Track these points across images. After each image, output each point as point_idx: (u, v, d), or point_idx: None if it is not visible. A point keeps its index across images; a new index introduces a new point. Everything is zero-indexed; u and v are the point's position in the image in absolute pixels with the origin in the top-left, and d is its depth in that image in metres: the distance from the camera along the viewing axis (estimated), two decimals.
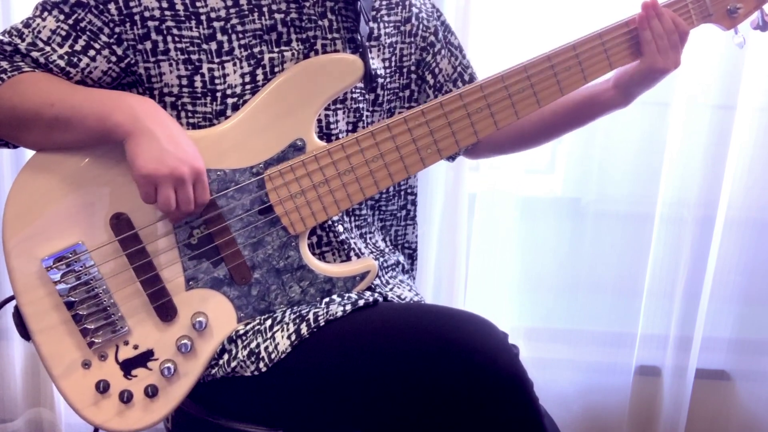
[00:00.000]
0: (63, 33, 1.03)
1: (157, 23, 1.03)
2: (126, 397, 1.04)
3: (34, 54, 1.02)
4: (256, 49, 1.06)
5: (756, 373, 1.95)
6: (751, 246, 1.87)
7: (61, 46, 1.03)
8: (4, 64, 1.02)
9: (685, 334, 1.91)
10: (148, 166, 0.96)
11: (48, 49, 1.03)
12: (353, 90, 1.14)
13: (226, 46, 1.05)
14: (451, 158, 1.34)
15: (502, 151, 1.39)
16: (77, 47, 1.03)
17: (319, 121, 1.11)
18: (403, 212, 1.28)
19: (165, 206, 0.98)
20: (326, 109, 1.11)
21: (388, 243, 1.27)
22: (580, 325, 1.96)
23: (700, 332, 1.90)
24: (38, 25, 1.04)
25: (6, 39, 1.04)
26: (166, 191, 0.97)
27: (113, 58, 1.04)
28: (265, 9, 1.06)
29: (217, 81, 1.05)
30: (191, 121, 1.07)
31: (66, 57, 1.03)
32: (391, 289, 1.20)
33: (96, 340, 1.03)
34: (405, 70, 1.22)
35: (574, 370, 1.97)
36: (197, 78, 1.05)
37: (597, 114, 1.23)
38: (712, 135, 1.81)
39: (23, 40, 1.03)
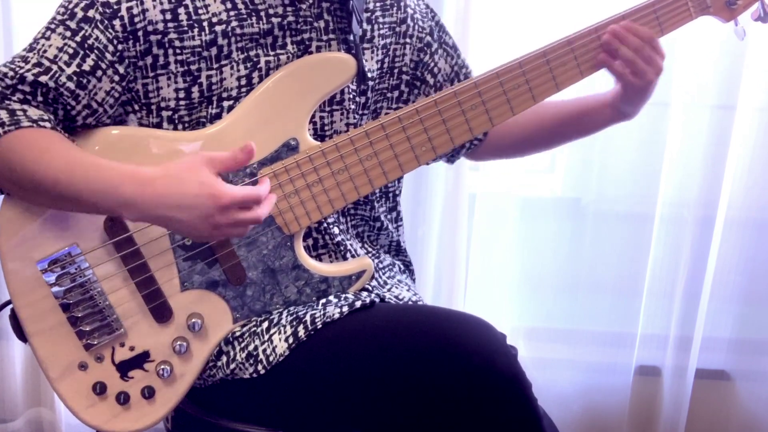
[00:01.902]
0: (70, 51, 0.99)
1: (159, 37, 1.01)
2: (123, 399, 1.04)
3: (43, 79, 0.97)
4: (253, 53, 1.06)
5: (756, 373, 1.94)
6: (751, 246, 1.87)
7: (68, 65, 0.98)
8: (3, 115, 0.96)
9: (685, 334, 1.90)
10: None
11: (55, 68, 0.98)
12: (350, 90, 1.13)
13: (225, 50, 1.04)
14: (451, 160, 1.33)
15: (504, 155, 1.37)
16: (85, 66, 0.99)
17: (314, 123, 1.11)
18: (390, 216, 1.27)
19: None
20: (321, 110, 1.11)
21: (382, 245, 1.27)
22: (580, 325, 1.95)
23: (700, 332, 1.89)
24: (43, 45, 0.99)
25: (5, 69, 0.98)
26: (228, 234, 0.97)
27: (116, 78, 1.01)
28: (262, 13, 1.06)
29: (214, 87, 1.05)
30: (187, 128, 1.06)
31: (75, 78, 0.99)
32: (389, 290, 1.19)
33: (92, 342, 1.03)
34: (396, 70, 1.21)
35: (574, 370, 1.97)
36: (195, 88, 1.04)
37: (598, 127, 1.24)
38: (712, 135, 1.80)
39: (27, 63, 0.98)
